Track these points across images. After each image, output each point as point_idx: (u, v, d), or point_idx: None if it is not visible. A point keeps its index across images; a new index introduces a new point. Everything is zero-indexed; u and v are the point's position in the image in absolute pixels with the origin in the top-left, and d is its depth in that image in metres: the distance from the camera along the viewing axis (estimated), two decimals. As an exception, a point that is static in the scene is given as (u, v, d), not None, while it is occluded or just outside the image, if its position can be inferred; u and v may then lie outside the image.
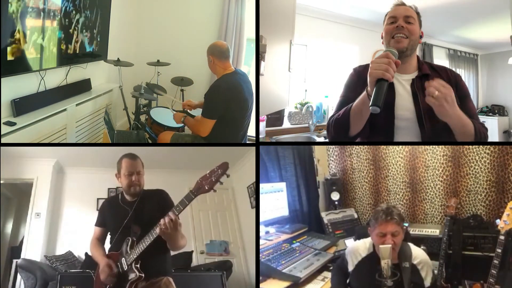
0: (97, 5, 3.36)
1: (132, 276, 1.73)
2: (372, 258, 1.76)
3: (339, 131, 1.68)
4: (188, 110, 3.24)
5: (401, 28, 1.68)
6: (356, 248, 1.86)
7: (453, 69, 1.90)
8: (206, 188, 1.62)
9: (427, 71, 1.74)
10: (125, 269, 1.76)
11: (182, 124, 3.41)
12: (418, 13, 1.79)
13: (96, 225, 2.00)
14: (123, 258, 1.78)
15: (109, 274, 1.76)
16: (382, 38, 1.80)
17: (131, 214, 1.85)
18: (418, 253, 1.74)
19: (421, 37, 1.77)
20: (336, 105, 1.82)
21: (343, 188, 3.34)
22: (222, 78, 2.73)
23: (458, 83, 1.74)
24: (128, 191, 1.89)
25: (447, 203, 2.71)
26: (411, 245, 1.79)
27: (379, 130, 1.66)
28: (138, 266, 1.74)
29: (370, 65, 1.47)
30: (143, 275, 1.73)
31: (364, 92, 1.52)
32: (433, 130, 1.60)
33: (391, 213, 1.67)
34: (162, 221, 1.62)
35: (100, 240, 1.98)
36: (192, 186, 1.67)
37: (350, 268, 1.84)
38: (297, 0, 3.30)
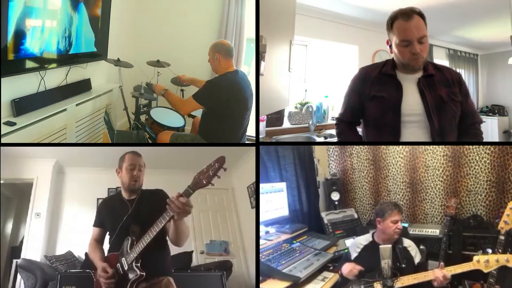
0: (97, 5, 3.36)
1: (132, 275, 1.72)
2: (372, 246, 2.06)
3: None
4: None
5: (417, 54, 1.77)
6: (357, 240, 2.17)
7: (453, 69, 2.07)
8: (204, 182, 1.56)
9: (432, 71, 1.88)
10: (126, 269, 1.74)
11: (183, 124, 3.43)
12: (423, 18, 1.79)
13: (94, 225, 1.98)
14: (123, 258, 1.76)
15: (106, 278, 1.74)
16: (388, 46, 1.86)
17: (130, 212, 1.83)
18: (406, 241, 2.13)
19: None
20: (343, 104, 2.07)
21: (343, 188, 3.34)
22: (225, 74, 2.77)
23: (461, 82, 1.93)
24: (128, 186, 1.88)
25: (447, 203, 2.71)
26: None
27: (386, 128, 1.85)
28: (139, 265, 1.72)
29: None
30: (144, 273, 1.71)
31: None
32: (441, 123, 1.80)
33: (398, 206, 2.11)
34: (172, 203, 1.55)
35: (98, 241, 1.96)
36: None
37: (354, 256, 2.10)
38: (297, 0, 3.29)
